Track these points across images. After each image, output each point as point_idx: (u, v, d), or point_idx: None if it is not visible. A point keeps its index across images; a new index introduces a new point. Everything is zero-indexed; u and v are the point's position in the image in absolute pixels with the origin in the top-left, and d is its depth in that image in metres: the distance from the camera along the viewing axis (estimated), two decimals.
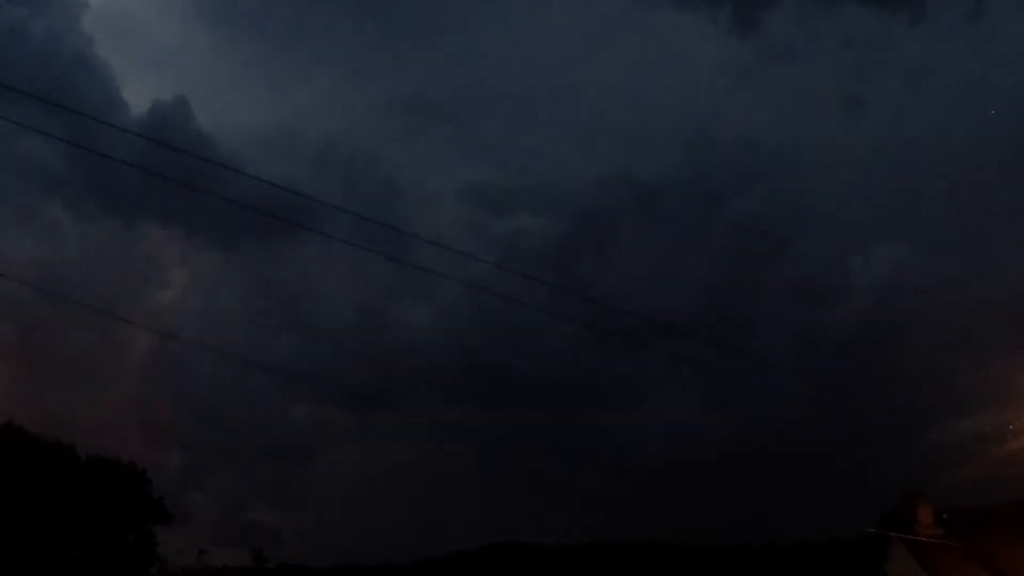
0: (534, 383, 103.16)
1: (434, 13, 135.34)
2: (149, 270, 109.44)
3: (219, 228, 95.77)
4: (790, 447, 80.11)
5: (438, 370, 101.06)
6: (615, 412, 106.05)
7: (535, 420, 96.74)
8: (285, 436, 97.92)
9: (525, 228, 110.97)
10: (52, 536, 41.27)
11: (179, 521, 49.54)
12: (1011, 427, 27.54)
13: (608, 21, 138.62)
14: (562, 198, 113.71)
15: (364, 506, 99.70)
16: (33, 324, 71.16)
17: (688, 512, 62.85)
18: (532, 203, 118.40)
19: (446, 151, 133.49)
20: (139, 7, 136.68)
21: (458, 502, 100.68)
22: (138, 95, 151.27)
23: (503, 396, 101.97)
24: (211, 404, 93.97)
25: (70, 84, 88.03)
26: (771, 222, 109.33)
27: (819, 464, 79.20)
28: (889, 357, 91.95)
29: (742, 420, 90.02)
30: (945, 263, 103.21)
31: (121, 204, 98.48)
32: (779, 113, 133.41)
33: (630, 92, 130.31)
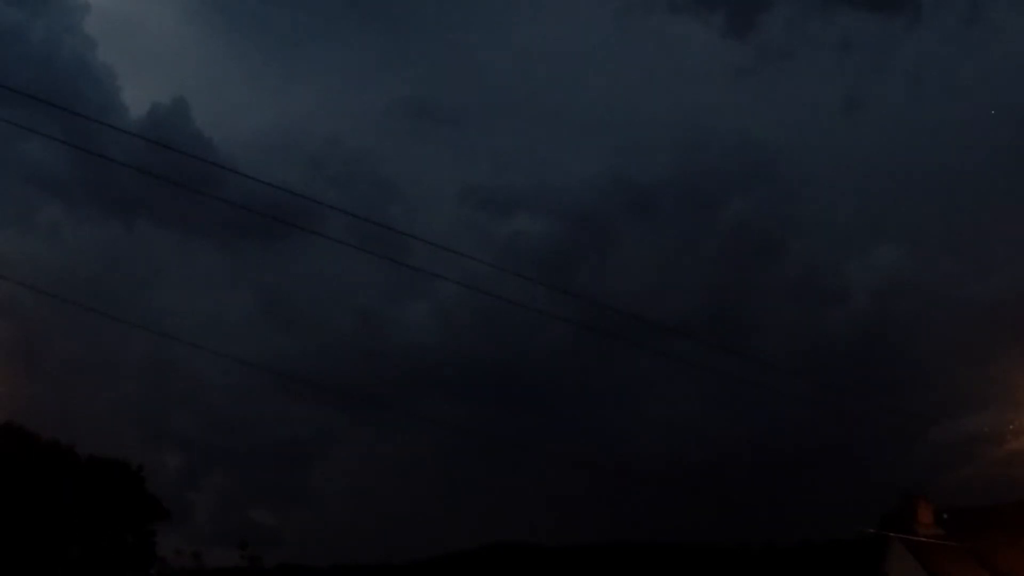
0: (534, 383, 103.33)
1: (433, 17, 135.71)
2: (148, 271, 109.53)
3: (218, 229, 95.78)
4: (790, 447, 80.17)
5: (438, 370, 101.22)
6: (614, 412, 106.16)
7: (535, 420, 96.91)
8: (285, 436, 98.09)
9: (524, 229, 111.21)
10: (52, 536, 41.27)
11: (179, 521, 49.54)
12: (1011, 427, 27.51)
13: (605, 25, 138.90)
14: (561, 200, 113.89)
15: (364, 506, 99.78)
16: (33, 324, 71.17)
17: (688, 512, 62.88)
18: (531, 205, 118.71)
19: (445, 153, 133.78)
20: (139, 10, 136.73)
21: (458, 502, 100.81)
22: (137, 97, 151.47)
23: (503, 396, 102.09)
24: (211, 404, 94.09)
25: (70, 86, 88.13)
26: (769, 224, 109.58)
27: (819, 464, 79.28)
28: (888, 357, 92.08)
29: (742, 420, 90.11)
30: (944, 263, 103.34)
31: (120, 206, 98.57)
32: (777, 115, 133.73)
33: (628, 95, 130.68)
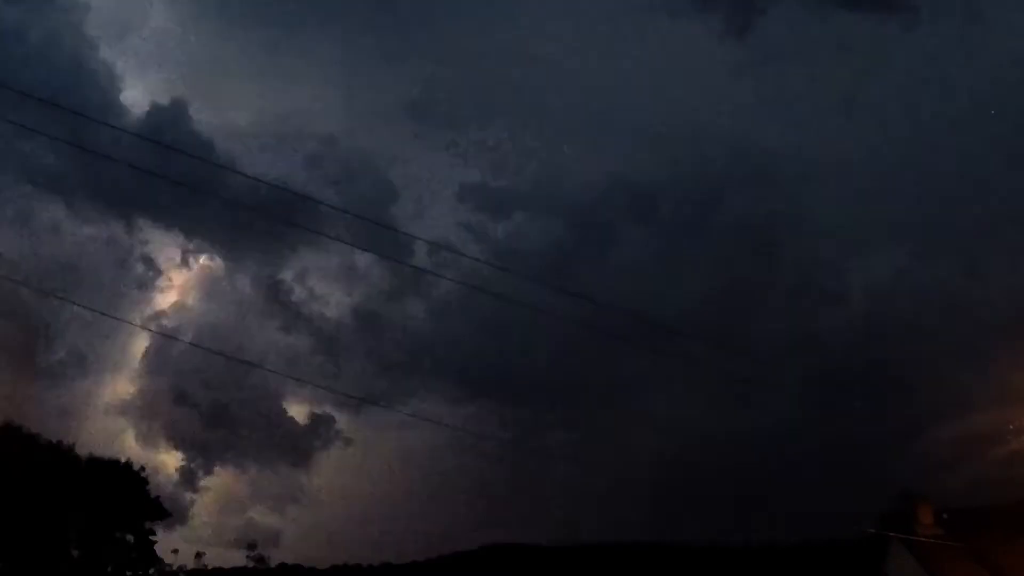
0: (533, 383, 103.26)
1: (433, 16, 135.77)
2: (148, 270, 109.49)
3: (218, 228, 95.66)
4: (790, 447, 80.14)
5: (437, 370, 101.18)
6: (615, 412, 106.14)
7: (535, 420, 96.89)
8: (285, 436, 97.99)
9: (523, 230, 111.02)
10: (52, 536, 41.29)
11: (179, 521, 49.65)
12: (1011, 427, 27.55)
13: (604, 26, 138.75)
14: (559, 200, 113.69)
15: (364, 506, 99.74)
16: (33, 324, 71.10)
17: (688, 512, 62.85)
18: (529, 205, 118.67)
19: (444, 153, 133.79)
20: (139, 10, 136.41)
21: (458, 502, 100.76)
22: (137, 97, 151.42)
23: (503, 396, 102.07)
24: (211, 404, 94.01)
25: (70, 86, 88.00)
26: (769, 224, 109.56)
27: (819, 464, 79.21)
28: (889, 358, 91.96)
29: (742, 420, 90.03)
30: (944, 263, 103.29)
31: (120, 205, 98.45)
32: (776, 116, 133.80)
33: (627, 95, 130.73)
